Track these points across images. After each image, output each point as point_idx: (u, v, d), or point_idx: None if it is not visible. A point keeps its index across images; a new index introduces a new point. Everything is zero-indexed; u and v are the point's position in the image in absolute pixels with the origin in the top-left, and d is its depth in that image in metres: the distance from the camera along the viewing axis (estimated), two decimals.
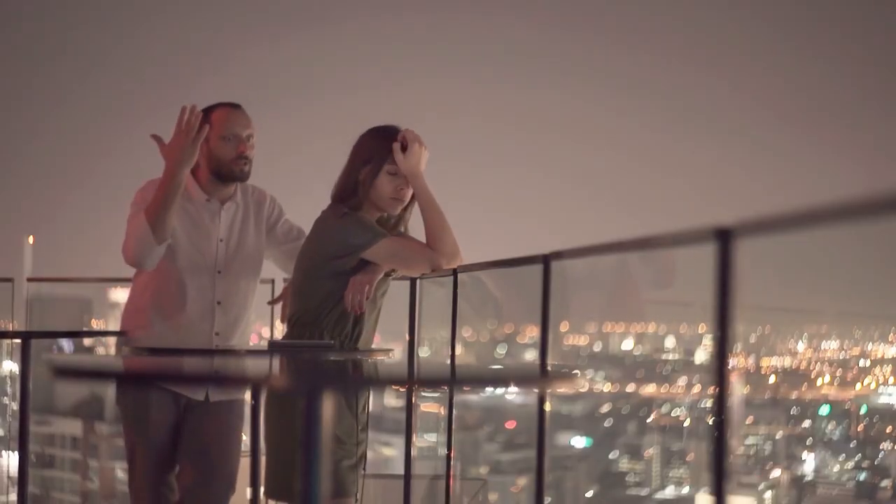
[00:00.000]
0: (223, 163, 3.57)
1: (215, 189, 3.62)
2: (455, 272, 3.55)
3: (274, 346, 3.29)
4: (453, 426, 3.86)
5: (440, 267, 3.34)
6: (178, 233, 3.56)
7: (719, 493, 1.79)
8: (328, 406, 1.51)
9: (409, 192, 3.36)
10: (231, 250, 3.63)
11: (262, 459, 3.18)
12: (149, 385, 3.47)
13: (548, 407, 2.90)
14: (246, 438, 3.72)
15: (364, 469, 3.40)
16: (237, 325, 3.64)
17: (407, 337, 4.39)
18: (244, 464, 3.49)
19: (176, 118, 3.45)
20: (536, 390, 2.91)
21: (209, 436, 3.56)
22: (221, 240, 3.62)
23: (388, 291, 3.49)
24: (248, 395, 3.59)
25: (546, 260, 2.91)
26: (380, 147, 3.33)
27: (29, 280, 6.17)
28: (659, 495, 22.53)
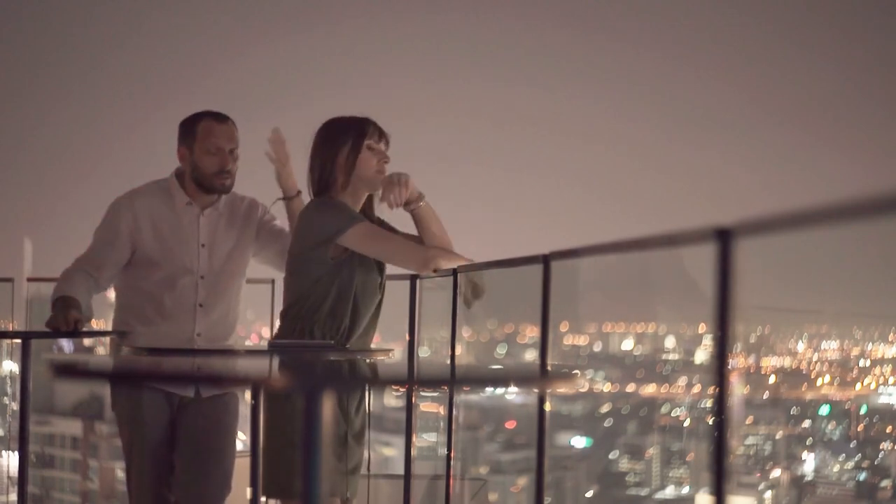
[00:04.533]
0: (205, 175, 3.61)
1: (198, 195, 3.66)
2: (455, 272, 3.55)
3: (273, 346, 3.28)
4: (454, 426, 3.86)
5: (423, 266, 3.31)
6: (154, 238, 3.59)
7: (719, 493, 1.79)
8: (328, 406, 1.51)
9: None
10: (214, 256, 3.65)
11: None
12: (142, 385, 3.48)
13: (548, 407, 2.90)
14: (245, 438, 3.73)
15: (368, 470, 3.39)
16: (219, 324, 3.67)
17: (407, 337, 4.39)
18: (244, 463, 3.49)
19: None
20: (536, 390, 2.91)
21: (203, 435, 3.57)
22: (203, 245, 3.64)
23: (385, 291, 3.48)
24: (246, 394, 3.60)
25: (546, 260, 2.91)
26: (351, 127, 3.33)
27: (29, 280, 6.16)
28: (659, 495, 22.52)
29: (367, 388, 2.53)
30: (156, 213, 3.63)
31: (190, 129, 3.61)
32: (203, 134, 3.58)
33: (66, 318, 3.36)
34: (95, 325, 3.98)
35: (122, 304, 3.70)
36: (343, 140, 3.31)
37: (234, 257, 3.69)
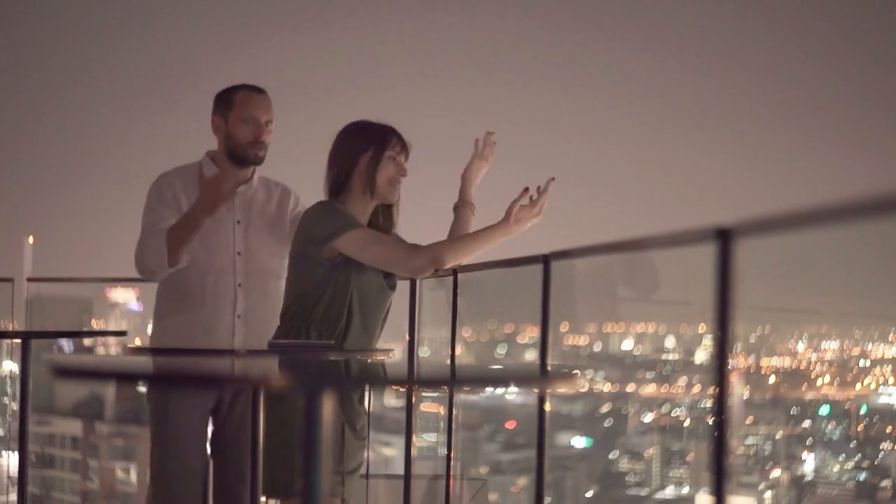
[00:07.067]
0: (239, 145, 3.58)
1: (231, 171, 3.59)
2: (455, 272, 3.55)
3: (273, 346, 3.28)
4: (454, 426, 3.86)
5: (418, 271, 3.30)
6: None
7: (719, 493, 1.79)
8: (328, 406, 1.51)
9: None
10: (250, 232, 3.62)
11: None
12: (164, 385, 3.47)
13: (548, 407, 2.90)
14: None
15: (367, 470, 3.39)
16: (258, 306, 3.60)
17: (407, 337, 4.39)
18: None
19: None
20: (536, 390, 2.91)
21: (239, 431, 3.54)
22: (238, 222, 3.61)
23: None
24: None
25: (546, 260, 2.91)
26: (375, 135, 3.33)
27: (29, 280, 6.16)
28: (659, 495, 22.52)
29: (367, 387, 2.53)
30: (190, 190, 3.57)
31: (227, 98, 3.58)
32: (240, 103, 3.56)
33: (218, 189, 3.32)
34: (96, 325, 3.98)
35: (164, 291, 3.64)
36: (365, 147, 3.30)
37: (269, 236, 3.66)
